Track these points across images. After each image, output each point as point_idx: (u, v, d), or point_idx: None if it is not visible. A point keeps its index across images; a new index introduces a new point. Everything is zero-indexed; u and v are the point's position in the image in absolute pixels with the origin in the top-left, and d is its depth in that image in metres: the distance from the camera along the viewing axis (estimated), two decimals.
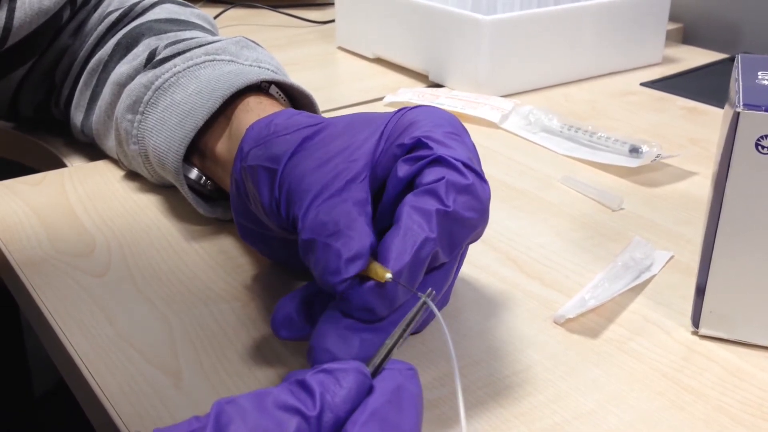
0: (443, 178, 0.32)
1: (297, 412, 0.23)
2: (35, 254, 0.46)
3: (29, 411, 1.02)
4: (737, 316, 0.38)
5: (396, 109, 0.37)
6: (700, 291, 0.38)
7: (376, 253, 0.32)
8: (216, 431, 0.22)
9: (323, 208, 0.32)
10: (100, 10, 0.59)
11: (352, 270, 0.30)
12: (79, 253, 0.46)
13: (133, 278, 0.44)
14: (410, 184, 0.34)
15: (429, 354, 0.38)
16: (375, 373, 0.27)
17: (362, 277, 0.31)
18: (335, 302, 0.32)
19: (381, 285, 0.30)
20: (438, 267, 0.34)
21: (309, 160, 0.35)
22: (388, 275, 0.30)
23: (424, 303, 0.29)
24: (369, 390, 0.25)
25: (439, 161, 0.33)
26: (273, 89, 0.49)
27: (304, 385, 0.24)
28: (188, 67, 0.49)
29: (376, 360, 0.27)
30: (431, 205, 0.32)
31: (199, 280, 0.44)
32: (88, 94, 0.57)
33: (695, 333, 0.39)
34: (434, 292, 0.30)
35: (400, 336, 0.28)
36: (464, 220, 0.32)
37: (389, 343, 0.28)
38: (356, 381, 0.25)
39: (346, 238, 0.31)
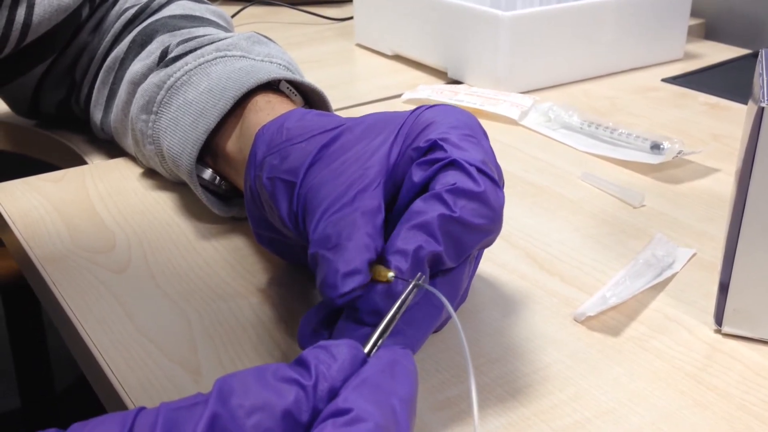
0: (454, 183, 0.32)
1: (295, 382, 0.24)
2: (56, 250, 0.46)
3: (50, 406, 1.03)
4: (761, 314, 0.37)
5: (414, 106, 0.37)
6: (724, 289, 0.38)
7: (383, 254, 0.32)
8: (219, 401, 0.23)
9: (331, 221, 0.32)
10: (117, 7, 0.60)
11: (349, 285, 0.30)
12: (99, 249, 0.46)
13: (153, 274, 0.44)
14: (425, 188, 0.34)
15: (447, 351, 0.37)
16: (370, 353, 0.27)
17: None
18: (347, 312, 0.32)
19: (387, 285, 0.31)
20: (446, 271, 0.33)
21: (326, 170, 0.35)
22: (390, 274, 0.30)
23: (416, 285, 0.30)
24: (363, 364, 0.26)
25: (453, 165, 0.33)
26: (283, 85, 0.49)
27: (300, 360, 0.25)
28: (199, 65, 0.49)
29: (371, 341, 0.28)
30: (435, 210, 0.32)
31: (217, 276, 0.44)
32: (105, 92, 0.57)
33: (718, 331, 0.39)
34: (424, 276, 0.30)
35: (393, 318, 0.29)
36: (472, 227, 0.32)
37: (383, 325, 0.28)
38: (349, 354, 0.25)
39: (345, 251, 0.31)
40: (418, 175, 0.34)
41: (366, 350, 0.27)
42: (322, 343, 0.26)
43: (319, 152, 0.36)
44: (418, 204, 0.32)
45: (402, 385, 0.25)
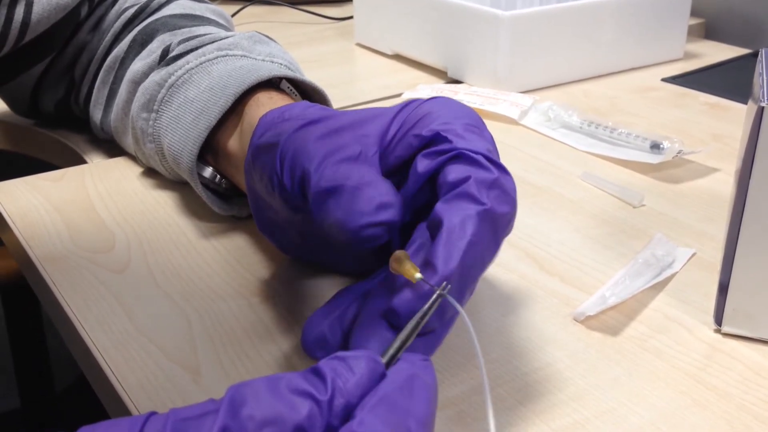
0: (470, 177, 0.31)
1: (309, 396, 0.23)
2: (56, 250, 0.46)
3: (51, 406, 1.03)
4: (761, 314, 0.37)
5: None
6: (723, 288, 0.38)
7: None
8: (230, 411, 0.23)
9: (342, 166, 0.31)
10: (117, 6, 0.60)
11: (382, 216, 0.29)
12: (99, 249, 0.46)
13: (153, 274, 0.44)
14: (430, 179, 0.33)
15: (447, 351, 0.37)
16: (389, 364, 0.26)
17: (396, 281, 0.30)
18: (369, 307, 0.31)
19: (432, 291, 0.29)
20: None
21: (313, 131, 0.34)
22: (418, 275, 0.29)
23: (440, 296, 0.29)
24: (381, 378, 0.25)
25: (461, 157, 0.32)
26: (284, 84, 0.49)
27: (316, 371, 0.24)
28: (200, 63, 0.49)
29: (391, 351, 0.27)
30: (470, 208, 0.30)
31: (217, 276, 0.44)
32: (105, 91, 0.57)
33: (718, 331, 0.39)
34: (449, 285, 0.29)
35: (414, 328, 0.28)
36: (501, 216, 0.31)
37: (403, 335, 0.28)
38: (368, 368, 0.25)
39: (377, 185, 0.30)
40: (423, 165, 0.33)
41: (384, 360, 0.26)
42: (340, 354, 0.25)
43: (307, 123, 0.35)
44: (443, 207, 0.31)
45: (419, 403, 0.24)
